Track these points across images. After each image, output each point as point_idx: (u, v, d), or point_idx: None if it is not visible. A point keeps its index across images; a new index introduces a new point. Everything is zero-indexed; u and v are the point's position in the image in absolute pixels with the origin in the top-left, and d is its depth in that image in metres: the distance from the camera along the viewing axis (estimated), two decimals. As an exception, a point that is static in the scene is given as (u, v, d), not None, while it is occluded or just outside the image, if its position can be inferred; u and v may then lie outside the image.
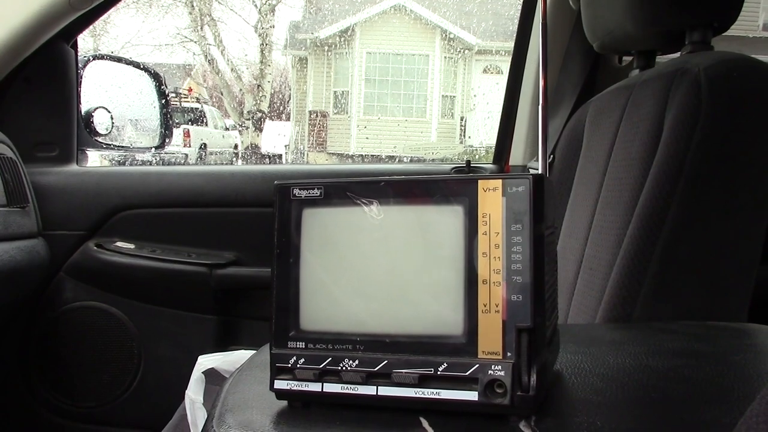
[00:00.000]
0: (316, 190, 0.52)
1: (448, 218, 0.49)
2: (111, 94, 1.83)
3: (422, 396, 0.48)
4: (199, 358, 0.98)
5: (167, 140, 1.81)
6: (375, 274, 0.50)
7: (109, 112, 1.76)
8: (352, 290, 0.50)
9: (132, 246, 1.57)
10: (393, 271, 0.50)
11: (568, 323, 1.07)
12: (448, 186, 0.49)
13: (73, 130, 1.66)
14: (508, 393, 0.46)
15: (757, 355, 0.70)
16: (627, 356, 0.64)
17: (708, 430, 0.45)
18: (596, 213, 1.14)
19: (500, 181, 0.48)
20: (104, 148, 1.76)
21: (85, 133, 1.70)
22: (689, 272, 0.92)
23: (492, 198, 0.48)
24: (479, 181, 0.48)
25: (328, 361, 0.50)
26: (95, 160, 2.19)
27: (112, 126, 1.77)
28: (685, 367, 0.62)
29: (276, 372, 0.51)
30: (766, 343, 0.73)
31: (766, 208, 0.95)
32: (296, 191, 0.52)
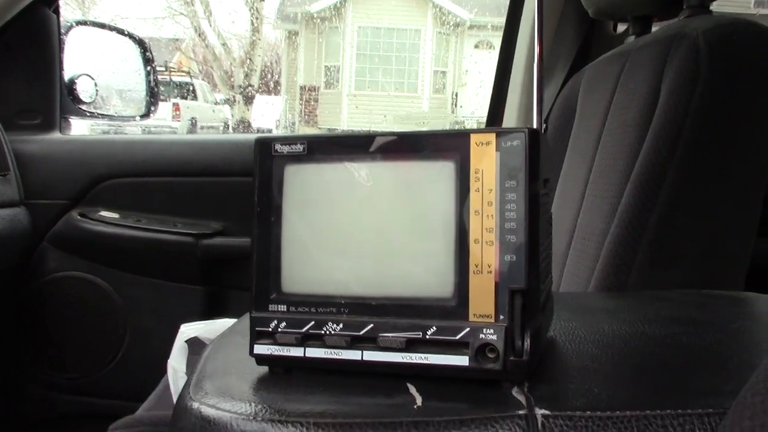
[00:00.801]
0: (299, 146, 0.49)
1: (438, 175, 0.46)
2: (95, 62, 1.79)
3: (410, 361, 0.46)
4: (182, 326, 0.95)
5: (153, 108, 1.77)
6: (361, 234, 0.47)
7: (93, 79, 1.72)
8: (337, 251, 0.48)
9: (116, 215, 1.54)
10: (380, 230, 0.47)
11: (561, 292, 1.05)
12: (439, 141, 0.47)
13: (55, 98, 1.62)
14: (501, 358, 0.44)
15: (756, 323, 0.68)
16: (622, 323, 0.62)
17: (709, 398, 0.43)
18: (590, 182, 1.12)
19: (494, 134, 0.45)
20: (88, 116, 1.72)
21: (69, 100, 1.66)
22: (686, 240, 0.90)
23: (485, 153, 0.45)
24: (471, 135, 0.46)
25: (310, 324, 0.47)
26: (84, 131, 2.15)
27: (96, 94, 1.73)
28: (682, 334, 0.60)
29: (256, 336, 0.49)
30: (765, 311, 0.71)
31: (765, 175, 0.93)
32: (278, 146, 0.50)
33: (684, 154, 0.88)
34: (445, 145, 0.46)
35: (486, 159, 0.45)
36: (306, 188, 0.49)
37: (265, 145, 0.50)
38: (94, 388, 1.55)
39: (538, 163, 0.45)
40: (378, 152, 0.47)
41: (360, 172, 0.47)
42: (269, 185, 0.49)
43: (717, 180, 0.90)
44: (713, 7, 1.08)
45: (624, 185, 0.94)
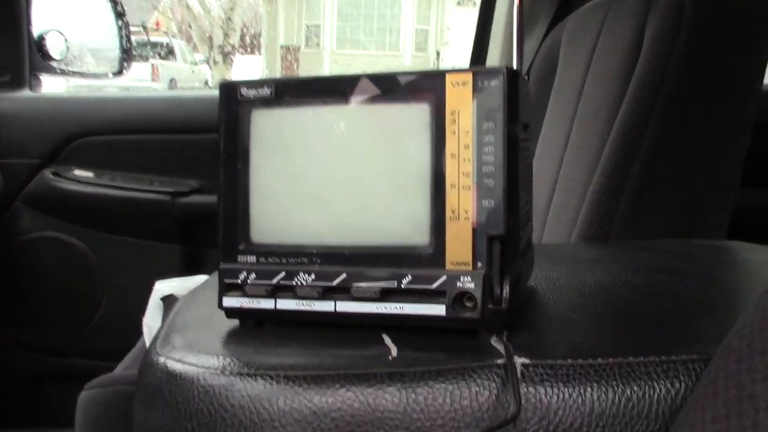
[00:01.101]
0: (266, 89, 0.47)
1: (412, 117, 0.44)
2: (64, 17, 1.73)
3: (384, 311, 0.44)
4: (156, 284, 0.93)
5: (126, 65, 1.72)
6: (333, 181, 0.45)
7: (62, 35, 1.66)
8: (308, 198, 0.46)
9: (91, 174, 1.51)
10: (352, 176, 0.45)
11: (542, 243, 1.04)
12: (413, 82, 0.44)
13: (24, 54, 1.57)
14: (479, 306, 0.42)
15: (740, 272, 0.67)
16: (605, 273, 0.61)
17: (693, 345, 0.41)
18: (572, 133, 1.10)
19: (470, 74, 0.43)
20: (59, 73, 1.67)
21: (38, 57, 1.61)
22: (668, 189, 0.89)
23: (461, 94, 0.43)
24: (447, 74, 0.43)
25: (281, 275, 0.45)
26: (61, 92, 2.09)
27: (67, 50, 1.68)
28: (666, 283, 0.58)
29: (225, 288, 0.47)
30: (749, 259, 0.70)
31: (747, 124, 0.91)
32: (244, 90, 0.47)
33: (666, 103, 0.86)
34: (420, 86, 0.44)
35: (462, 100, 0.43)
36: (274, 134, 0.46)
37: (230, 89, 0.47)
38: (72, 348, 1.54)
39: (517, 105, 0.43)
40: (349, 95, 0.45)
41: (330, 116, 0.45)
42: (236, 131, 0.47)
43: (700, 127, 0.89)
44: None
45: (607, 135, 0.93)
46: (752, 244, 0.73)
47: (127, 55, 1.72)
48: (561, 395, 0.39)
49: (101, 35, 1.77)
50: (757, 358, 0.32)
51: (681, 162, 0.88)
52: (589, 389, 0.39)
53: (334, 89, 0.45)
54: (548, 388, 0.39)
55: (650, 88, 0.87)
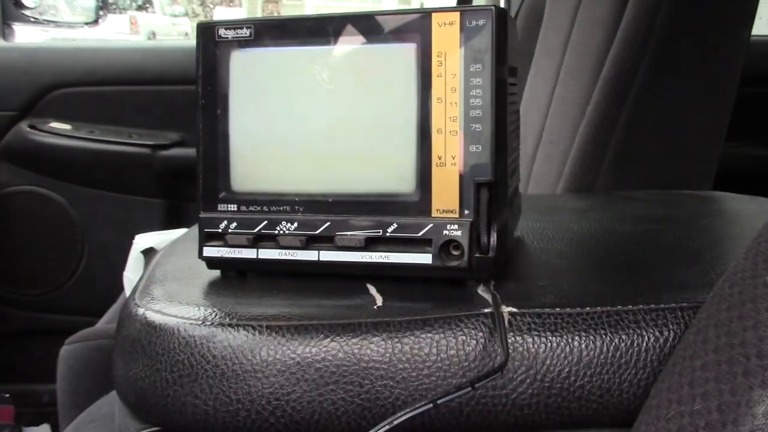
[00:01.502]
0: (245, 30, 0.45)
1: (397, 59, 0.42)
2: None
3: (369, 260, 0.43)
4: (137, 237, 0.92)
5: (101, 14, 1.68)
6: (315, 126, 0.44)
7: (36, -18, 1.61)
8: (290, 144, 0.44)
9: (68, 127, 1.47)
10: (336, 121, 0.43)
11: (528, 194, 1.03)
12: (397, 22, 0.42)
13: None
14: (465, 254, 0.41)
15: (726, 219, 0.66)
16: (592, 222, 0.60)
17: (682, 292, 0.41)
18: (558, 85, 1.08)
19: (458, 13, 0.41)
20: (32, 22, 1.62)
21: (11, 5, 1.56)
22: (655, 140, 0.88)
23: (448, 34, 0.41)
24: (433, 14, 0.42)
25: (263, 224, 0.44)
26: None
27: (41, -1, 1.63)
28: (653, 231, 0.58)
29: (205, 238, 0.45)
30: (734, 208, 0.69)
31: (736, 73, 0.90)
32: (222, 31, 0.45)
33: (655, 52, 0.85)
34: (405, 26, 0.42)
35: (449, 41, 0.41)
36: (254, 77, 0.45)
37: (208, 30, 0.46)
38: (53, 304, 1.52)
39: (505, 46, 0.42)
40: (331, 36, 0.43)
41: (312, 57, 0.43)
42: (214, 74, 0.45)
43: (688, 79, 0.88)
44: None
45: (594, 84, 0.91)
46: (737, 194, 0.73)
47: (102, 3, 1.68)
48: (549, 344, 0.38)
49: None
50: (749, 306, 0.32)
51: (669, 111, 0.87)
52: (577, 338, 0.38)
53: (315, 30, 0.44)
54: (536, 337, 0.38)
55: (639, 37, 0.86)
